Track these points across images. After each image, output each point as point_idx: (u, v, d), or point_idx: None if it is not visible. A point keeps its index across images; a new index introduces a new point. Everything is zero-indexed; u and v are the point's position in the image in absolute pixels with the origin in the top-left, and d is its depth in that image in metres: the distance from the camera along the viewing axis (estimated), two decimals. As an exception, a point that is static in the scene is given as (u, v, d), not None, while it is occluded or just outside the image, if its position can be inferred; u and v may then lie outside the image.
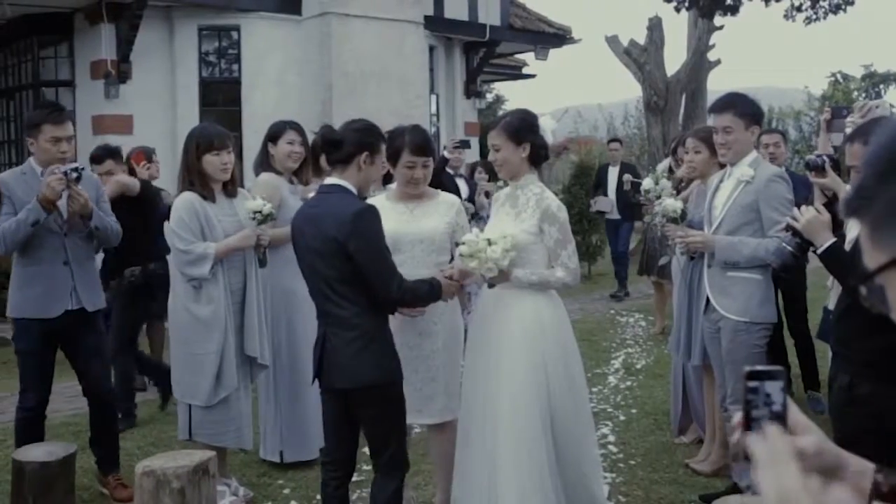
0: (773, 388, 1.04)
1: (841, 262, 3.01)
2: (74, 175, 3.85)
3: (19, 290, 4.08)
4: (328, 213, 3.14)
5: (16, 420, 4.20)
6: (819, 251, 3.07)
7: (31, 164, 4.10)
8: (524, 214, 3.54)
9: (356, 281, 3.11)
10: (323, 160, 4.85)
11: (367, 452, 3.39)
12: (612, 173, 10.42)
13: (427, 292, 3.31)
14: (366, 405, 3.20)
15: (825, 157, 3.50)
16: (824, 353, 5.76)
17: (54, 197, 3.85)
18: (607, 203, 10.28)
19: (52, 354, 4.19)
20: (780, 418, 1.03)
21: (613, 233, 10.57)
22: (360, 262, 3.06)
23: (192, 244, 3.99)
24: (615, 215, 10.29)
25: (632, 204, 10.33)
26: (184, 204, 4.05)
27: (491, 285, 3.52)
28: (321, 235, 3.11)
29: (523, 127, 3.56)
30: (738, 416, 1.06)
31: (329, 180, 3.26)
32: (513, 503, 3.36)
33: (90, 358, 4.21)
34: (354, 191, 3.22)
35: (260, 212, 4.16)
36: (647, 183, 4.22)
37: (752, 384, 1.05)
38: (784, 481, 0.95)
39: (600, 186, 10.56)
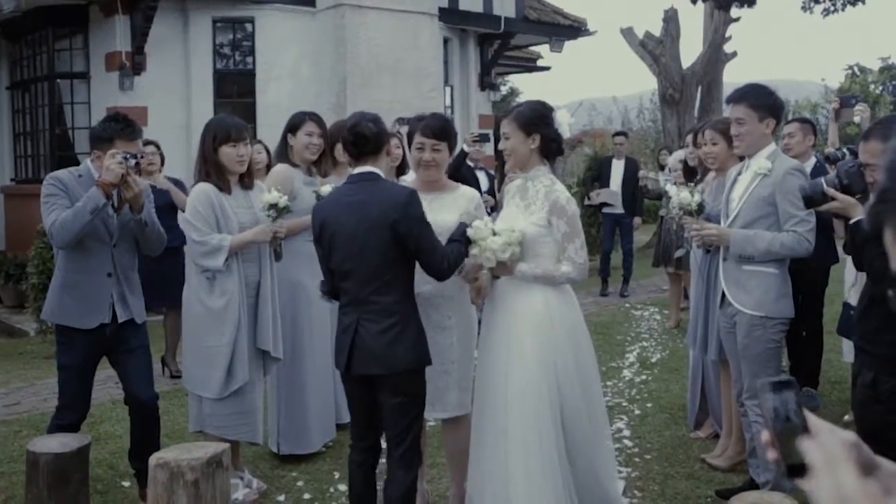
0: (791, 397, 1.03)
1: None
2: (133, 162, 3.80)
3: (58, 296, 3.96)
4: (374, 199, 3.25)
5: (48, 431, 4.05)
6: (851, 222, 3.14)
7: (89, 167, 3.97)
8: (533, 207, 3.51)
9: (400, 266, 3.25)
10: (338, 152, 4.95)
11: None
12: (617, 167, 10.32)
13: (460, 251, 3.41)
14: (396, 391, 3.27)
15: (845, 151, 3.40)
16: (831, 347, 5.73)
17: (114, 180, 3.74)
18: (614, 196, 10.10)
19: (93, 370, 4.08)
20: (804, 426, 1.01)
21: (611, 228, 10.39)
22: (414, 240, 3.21)
23: (207, 235, 3.97)
24: (619, 209, 10.11)
25: (637, 199, 10.28)
26: (200, 195, 4.03)
27: (495, 277, 3.54)
28: (368, 221, 3.21)
29: (535, 118, 3.53)
30: (765, 434, 1.03)
31: (360, 169, 3.36)
32: (523, 498, 3.34)
33: (133, 364, 4.07)
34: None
35: (276, 205, 4.13)
36: (684, 196, 4.12)
37: (775, 396, 1.03)
38: (843, 486, 0.93)
39: (599, 179, 10.39)
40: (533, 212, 3.50)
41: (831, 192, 3.24)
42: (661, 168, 10.61)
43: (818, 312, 5.63)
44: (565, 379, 3.45)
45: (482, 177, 8.04)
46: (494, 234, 3.34)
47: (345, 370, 3.32)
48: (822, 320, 5.67)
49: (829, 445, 0.96)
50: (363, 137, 3.35)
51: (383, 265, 3.23)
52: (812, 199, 3.33)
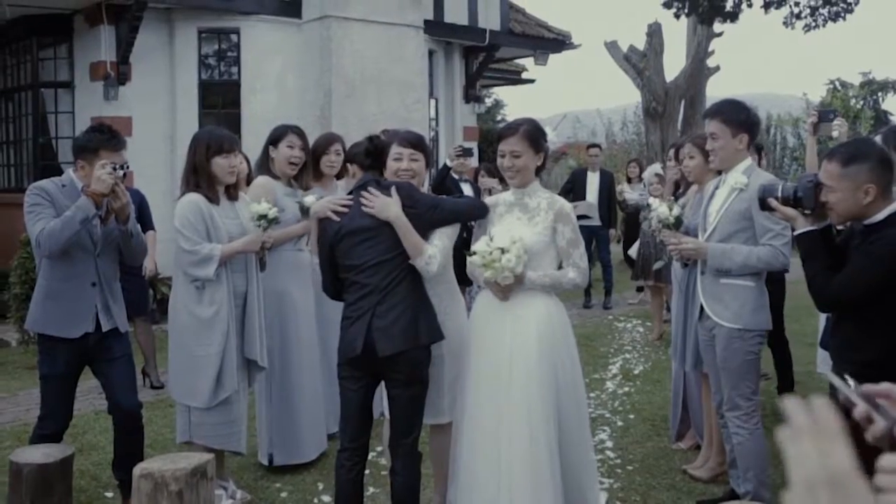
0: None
1: (814, 248, 3.14)
2: (121, 173, 3.81)
3: (41, 305, 3.94)
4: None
5: (31, 441, 4.06)
6: (795, 233, 3.23)
7: (72, 177, 3.97)
8: (537, 218, 3.58)
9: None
10: (324, 164, 5.07)
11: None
12: (592, 179, 10.36)
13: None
14: (410, 380, 3.42)
15: (813, 180, 3.30)
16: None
17: (104, 190, 3.75)
18: (591, 207, 10.11)
19: (75, 380, 4.07)
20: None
21: (587, 241, 10.33)
22: (437, 212, 3.49)
23: (197, 244, 3.98)
24: (595, 221, 10.10)
25: (612, 211, 10.32)
26: (189, 205, 4.05)
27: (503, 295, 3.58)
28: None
29: (541, 136, 3.63)
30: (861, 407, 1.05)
31: (365, 178, 3.63)
32: None
33: (116, 373, 4.06)
34: None
35: (265, 216, 4.17)
36: (662, 211, 4.16)
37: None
38: (835, 460, 0.85)
39: (573, 191, 10.29)
40: (538, 223, 3.57)
41: (773, 203, 3.28)
42: (629, 181, 10.68)
43: (779, 323, 5.70)
44: (563, 387, 3.50)
45: (466, 188, 8.10)
46: (503, 251, 3.38)
47: (362, 354, 3.38)
48: (785, 332, 5.76)
49: (826, 418, 0.91)
50: (380, 149, 3.64)
51: (401, 255, 3.41)
52: (764, 203, 3.37)
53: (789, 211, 3.24)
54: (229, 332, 4.07)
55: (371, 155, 3.67)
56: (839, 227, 3.38)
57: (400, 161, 3.65)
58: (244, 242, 4.13)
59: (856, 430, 1.07)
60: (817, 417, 0.88)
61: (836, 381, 1.09)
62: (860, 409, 1.04)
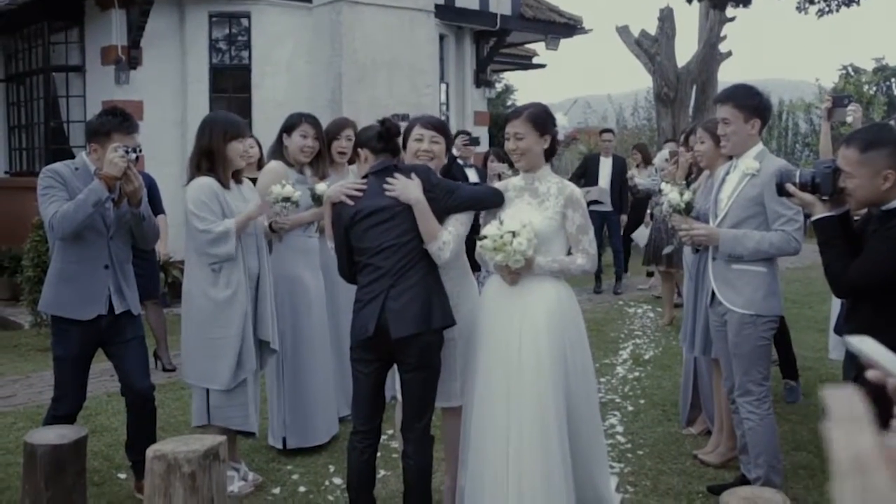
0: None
1: (831, 234, 3.13)
2: (133, 156, 3.82)
3: (54, 287, 3.96)
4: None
5: (44, 422, 4.09)
6: (812, 219, 3.22)
7: (85, 161, 3.98)
8: (547, 203, 3.58)
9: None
10: (335, 151, 5.09)
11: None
12: (605, 164, 10.34)
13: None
14: (422, 364, 3.42)
15: (830, 166, 3.28)
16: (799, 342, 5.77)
17: (117, 173, 3.76)
18: (603, 193, 10.10)
19: (89, 362, 4.09)
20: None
21: (598, 226, 10.33)
22: (456, 197, 3.50)
23: (212, 223, 3.99)
24: (607, 206, 10.11)
25: (624, 197, 10.30)
26: (203, 187, 4.05)
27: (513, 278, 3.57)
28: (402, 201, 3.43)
29: (547, 119, 3.62)
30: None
31: (382, 162, 3.58)
32: (539, 496, 3.37)
33: (129, 355, 4.08)
34: None
35: (289, 198, 4.34)
36: (673, 196, 4.16)
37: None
38: (860, 443, 0.86)
39: (585, 176, 10.33)
40: (548, 207, 3.57)
41: (791, 188, 3.27)
42: (636, 166, 10.65)
43: None
44: (573, 372, 3.51)
45: (471, 173, 8.10)
46: (513, 234, 3.38)
47: (374, 336, 3.39)
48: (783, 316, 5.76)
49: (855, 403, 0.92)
50: (393, 133, 3.62)
51: (416, 238, 3.42)
52: (782, 188, 3.35)
53: (807, 197, 3.22)
54: (247, 314, 4.09)
55: (383, 139, 3.64)
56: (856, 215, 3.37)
57: (421, 142, 3.66)
58: (251, 209, 4.14)
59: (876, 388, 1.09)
60: (850, 405, 0.89)
61: (855, 343, 1.09)
62: (880, 369, 1.05)
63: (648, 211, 9.69)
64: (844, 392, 0.90)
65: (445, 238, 3.44)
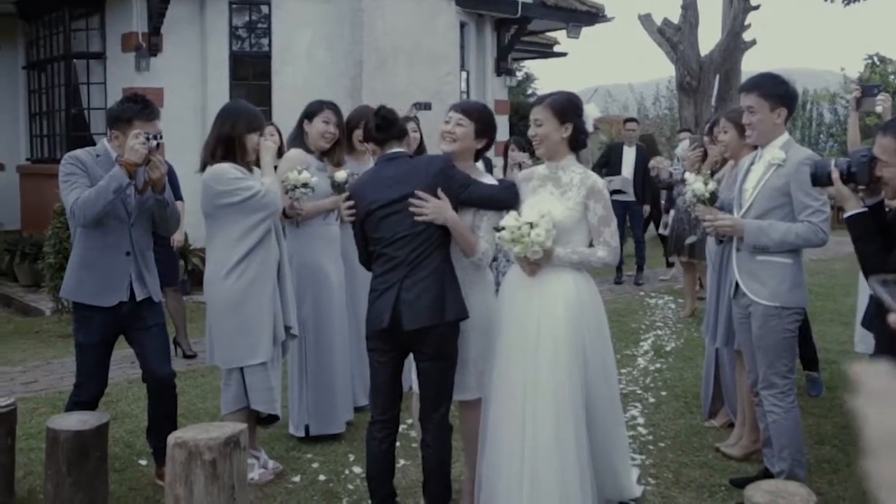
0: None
1: (866, 229, 3.10)
2: (154, 143, 3.82)
3: (76, 274, 3.97)
4: (416, 171, 3.49)
5: (66, 408, 4.11)
6: (845, 216, 3.18)
7: (106, 147, 3.98)
8: (569, 193, 3.54)
9: (445, 230, 3.43)
10: (356, 139, 5.07)
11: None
12: (629, 154, 10.26)
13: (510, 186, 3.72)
14: (438, 354, 3.42)
15: (867, 155, 3.22)
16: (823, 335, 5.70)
17: (138, 160, 3.76)
18: (626, 182, 10.03)
19: (110, 348, 4.11)
20: None
21: (621, 216, 10.27)
22: (475, 194, 3.50)
23: (253, 185, 4.01)
24: (630, 196, 10.03)
25: (647, 187, 10.20)
26: (227, 168, 4.03)
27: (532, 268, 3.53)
28: (414, 187, 3.41)
29: (569, 107, 3.57)
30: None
31: (392, 151, 3.57)
32: (554, 487, 3.35)
33: (150, 341, 4.09)
34: None
35: (307, 184, 4.38)
36: (697, 186, 4.11)
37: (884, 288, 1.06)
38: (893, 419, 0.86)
39: (608, 166, 10.24)
40: (569, 198, 3.54)
41: (835, 176, 3.21)
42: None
43: None
44: (592, 363, 3.48)
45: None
46: (531, 225, 3.34)
47: (388, 327, 3.38)
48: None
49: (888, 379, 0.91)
50: (390, 120, 3.55)
51: (430, 229, 3.41)
52: (817, 178, 3.29)
53: (844, 190, 3.17)
54: (275, 289, 4.15)
55: (382, 129, 3.59)
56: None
57: (447, 123, 3.66)
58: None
59: None
60: (883, 380, 0.89)
61: (879, 289, 1.06)
62: None
63: (662, 201, 9.65)
64: (876, 368, 0.89)
65: (484, 249, 3.50)
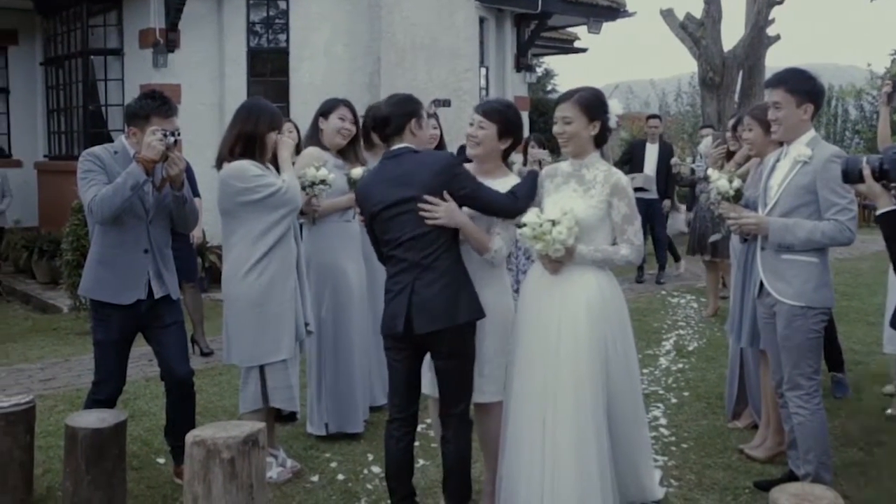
0: None
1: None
2: (172, 139, 3.79)
3: (94, 271, 3.96)
4: (420, 169, 3.40)
5: (85, 406, 4.10)
6: (878, 213, 3.10)
7: (124, 144, 3.97)
8: (593, 191, 3.49)
9: (454, 230, 3.38)
10: (375, 136, 5.02)
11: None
12: (651, 150, 10.18)
13: (529, 184, 3.60)
14: (453, 353, 3.38)
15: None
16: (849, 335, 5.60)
17: (155, 157, 3.75)
18: (648, 180, 9.94)
19: (129, 346, 4.09)
20: None
21: (643, 214, 10.16)
22: (475, 196, 3.39)
23: (275, 181, 4.00)
24: (652, 194, 9.94)
25: (669, 184, 10.11)
26: (247, 165, 4.00)
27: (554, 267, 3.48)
28: (418, 187, 3.34)
29: (597, 104, 3.52)
30: None
31: (395, 147, 3.49)
32: (572, 488, 3.30)
33: (169, 339, 4.07)
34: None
35: (325, 181, 4.37)
36: (721, 184, 4.05)
37: None
38: None
39: (631, 163, 10.15)
40: (593, 195, 3.49)
41: (867, 173, 3.13)
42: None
43: None
44: (614, 363, 3.44)
45: None
46: (553, 223, 3.29)
47: (403, 331, 3.35)
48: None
49: None
50: (380, 119, 3.53)
51: (439, 229, 3.33)
52: (848, 175, 3.22)
53: (876, 187, 3.10)
54: (295, 287, 4.14)
55: (377, 129, 3.59)
56: None
57: (471, 126, 3.61)
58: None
59: None
60: None
61: None
62: None
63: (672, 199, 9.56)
64: None
65: (496, 246, 3.45)
